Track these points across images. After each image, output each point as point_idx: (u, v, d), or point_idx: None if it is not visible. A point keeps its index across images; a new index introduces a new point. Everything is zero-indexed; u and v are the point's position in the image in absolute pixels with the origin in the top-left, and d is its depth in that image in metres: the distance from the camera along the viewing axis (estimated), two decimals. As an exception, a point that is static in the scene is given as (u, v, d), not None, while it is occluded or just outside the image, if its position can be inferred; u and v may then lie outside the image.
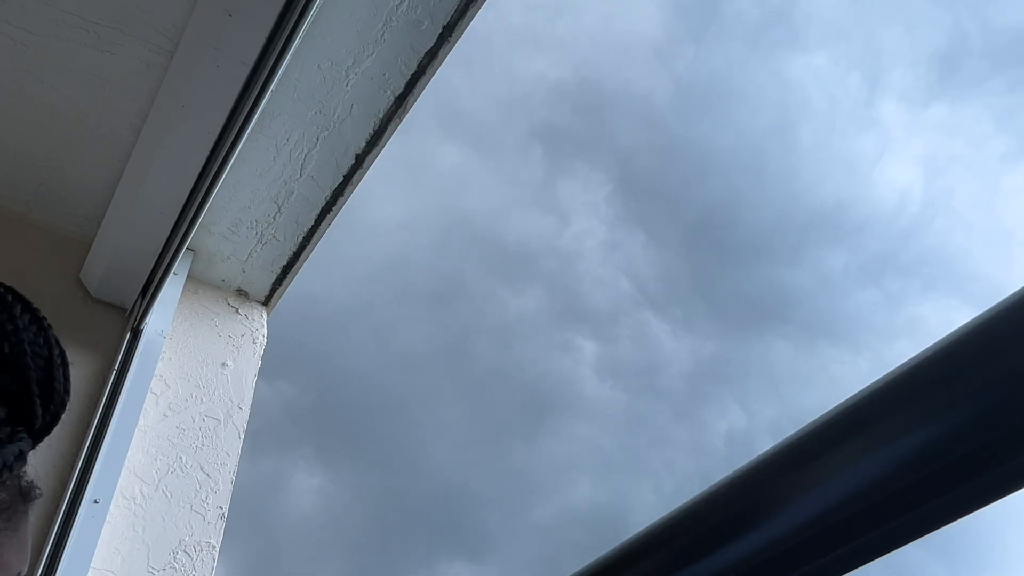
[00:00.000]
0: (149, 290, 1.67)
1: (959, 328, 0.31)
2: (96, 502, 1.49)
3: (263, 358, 1.89)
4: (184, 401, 1.73)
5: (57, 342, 0.60)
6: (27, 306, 0.58)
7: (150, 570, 1.54)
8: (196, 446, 1.69)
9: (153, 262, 1.62)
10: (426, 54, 1.47)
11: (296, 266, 1.88)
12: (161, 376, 1.72)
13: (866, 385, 0.34)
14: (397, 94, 1.53)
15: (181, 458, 1.67)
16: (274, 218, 1.77)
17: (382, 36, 1.44)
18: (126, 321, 1.72)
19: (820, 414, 0.36)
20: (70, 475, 1.50)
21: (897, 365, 0.34)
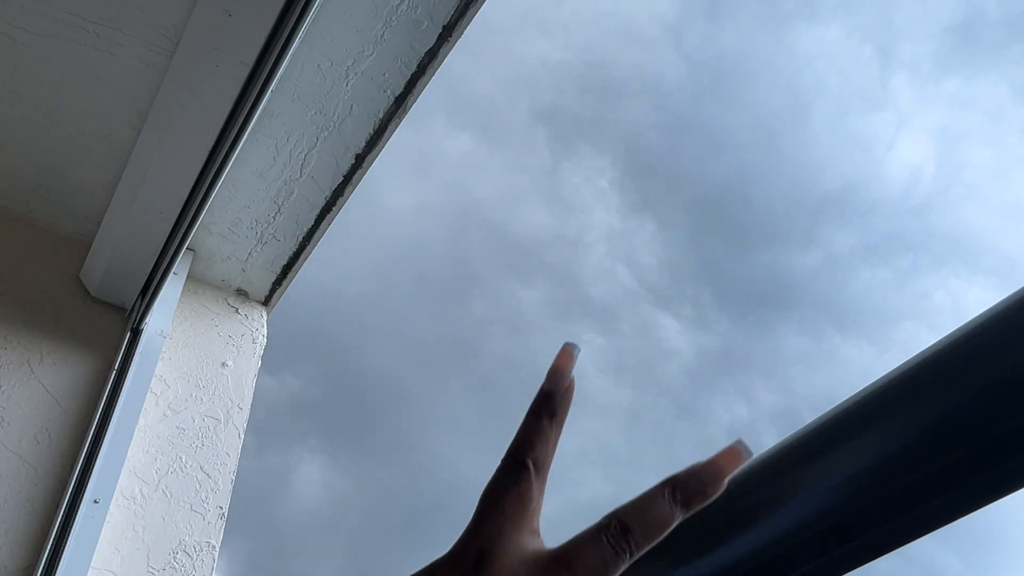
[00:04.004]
0: (149, 290, 1.67)
1: (962, 326, 0.31)
2: (96, 502, 1.49)
3: (263, 357, 1.89)
4: (184, 401, 1.73)
5: None
6: None
7: (150, 570, 1.54)
8: (196, 446, 1.69)
9: (153, 262, 1.62)
10: (426, 54, 1.47)
11: (296, 266, 1.88)
12: (161, 376, 1.72)
13: (869, 383, 0.34)
14: (397, 94, 1.53)
15: (181, 458, 1.67)
16: (274, 218, 1.77)
17: (382, 36, 1.45)
18: (126, 321, 1.72)
19: (822, 412, 0.36)
20: (70, 475, 1.50)
21: (899, 363, 0.34)
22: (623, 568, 0.37)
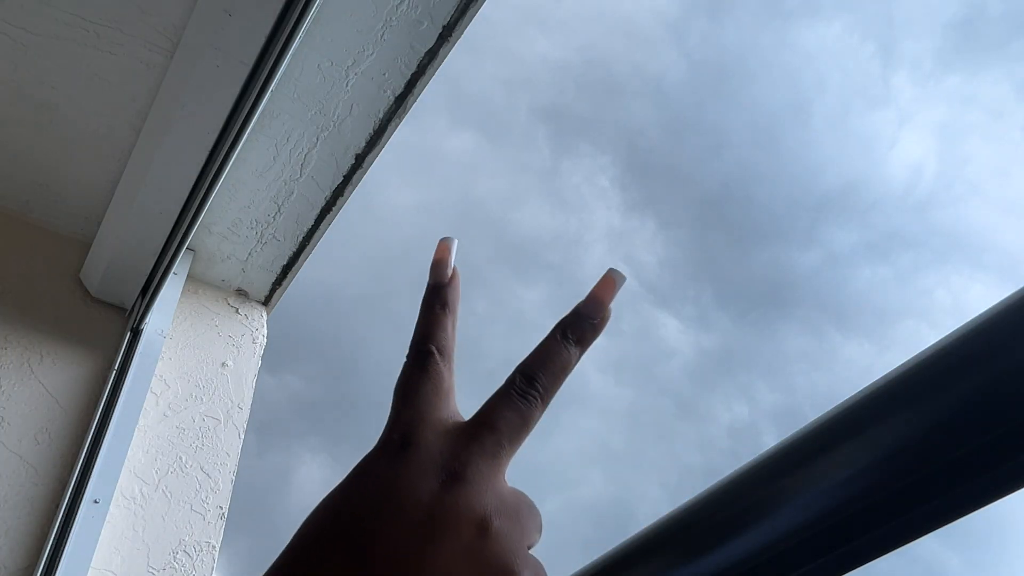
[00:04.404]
0: (149, 290, 1.67)
1: (963, 325, 0.31)
2: (96, 502, 1.49)
3: (263, 357, 1.89)
4: (184, 401, 1.73)
5: None
6: None
7: (150, 570, 1.54)
8: (196, 446, 1.69)
9: (153, 262, 1.62)
10: (426, 54, 1.47)
11: (296, 266, 1.88)
12: (161, 376, 1.72)
13: (870, 382, 0.34)
14: (397, 94, 1.53)
15: (181, 458, 1.67)
16: (274, 218, 1.77)
17: (382, 36, 1.45)
18: (126, 321, 1.72)
19: (823, 412, 0.36)
20: (70, 475, 1.50)
21: (900, 362, 0.34)
22: (539, 415, 0.39)
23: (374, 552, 0.33)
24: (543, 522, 0.38)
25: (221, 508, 1.66)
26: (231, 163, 1.44)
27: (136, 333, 1.68)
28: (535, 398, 0.39)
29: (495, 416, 0.38)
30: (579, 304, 0.41)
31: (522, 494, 0.37)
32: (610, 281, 0.42)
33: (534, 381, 0.39)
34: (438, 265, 0.44)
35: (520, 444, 0.38)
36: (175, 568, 1.57)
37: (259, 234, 1.80)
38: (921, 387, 0.32)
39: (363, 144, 1.62)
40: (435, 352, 0.41)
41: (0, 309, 1.62)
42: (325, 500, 0.37)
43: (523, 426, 0.38)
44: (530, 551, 0.36)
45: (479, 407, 0.39)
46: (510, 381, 0.39)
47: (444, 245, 0.45)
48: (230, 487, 1.69)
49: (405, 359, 0.41)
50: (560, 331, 0.41)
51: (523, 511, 0.37)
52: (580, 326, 0.41)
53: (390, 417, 0.39)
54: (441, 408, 0.39)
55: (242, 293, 1.94)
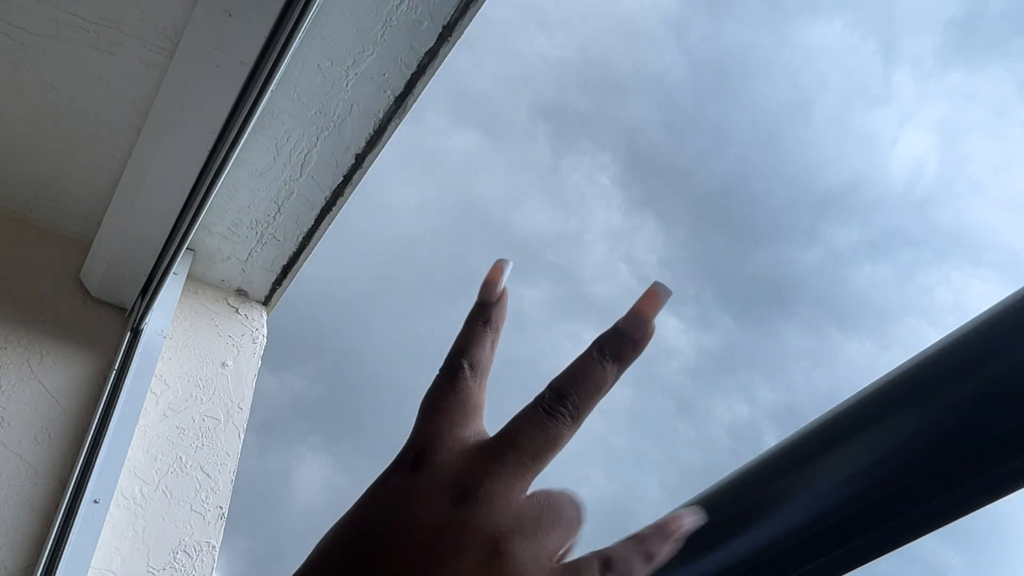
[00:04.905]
0: (149, 290, 1.67)
1: (963, 325, 0.31)
2: (96, 502, 1.49)
3: (263, 357, 1.89)
4: (184, 401, 1.73)
5: None
6: None
7: (150, 570, 1.54)
8: (196, 446, 1.69)
9: (153, 262, 1.62)
10: (426, 54, 1.47)
11: (296, 266, 1.88)
12: (161, 376, 1.72)
13: (870, 382, 0.34)
14: (397, 94, 1.53)
15: (181, 458, 1.67)
16: (274, 218, 1.77)
17: (382, 36, 1.44)
18: (126, 321, 1.72)
19: (823, 411, 0.36)
20: (70, 475, 1.50)
21: (900, 362, 0.34)
22: (569, 435, 0.37)
23: (381, 569, 0.33)
24: (582, 515, 0.36)
25: (221, 508, 1.66)
26: (231, 163, 1.44)
27: (136, 333, 1.68)
28: (564, 416, 0.37)
29: (517, 433, 0.37)
30: (620, 320, 0.39)
31: (546, 500, 0.36)
32: (654, 295, 0.39)
33: (564, 399, 0.37)
34: (489, 284, 0.43)
35: (545, 463, 0.37)
36: (175, 568, 1.57)
37: (259, 234, 1.80)
38: (921, 387, 0.32)
39: (363, 144, 1.62)
40: (466, 367, 0.40)
41: (0, 309, 1.62)
42: (342, 517, 0.37)
43: (547, 444, 0.36)
44: (561, 558, 0.35)
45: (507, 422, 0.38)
46: (539, 397, 0.38)
47: (498, 266, 0.44)
48: (230, 487, 1.69)
49: (438, 372, 0.40)
50: (597, 347, 0.38)
51: (544, 522, 0.35)
52: (619, 343, 0.38)
53: (411, 432, 0.38)
54: (464, 426, 0.38)
55: (242, 293, 1.94)
